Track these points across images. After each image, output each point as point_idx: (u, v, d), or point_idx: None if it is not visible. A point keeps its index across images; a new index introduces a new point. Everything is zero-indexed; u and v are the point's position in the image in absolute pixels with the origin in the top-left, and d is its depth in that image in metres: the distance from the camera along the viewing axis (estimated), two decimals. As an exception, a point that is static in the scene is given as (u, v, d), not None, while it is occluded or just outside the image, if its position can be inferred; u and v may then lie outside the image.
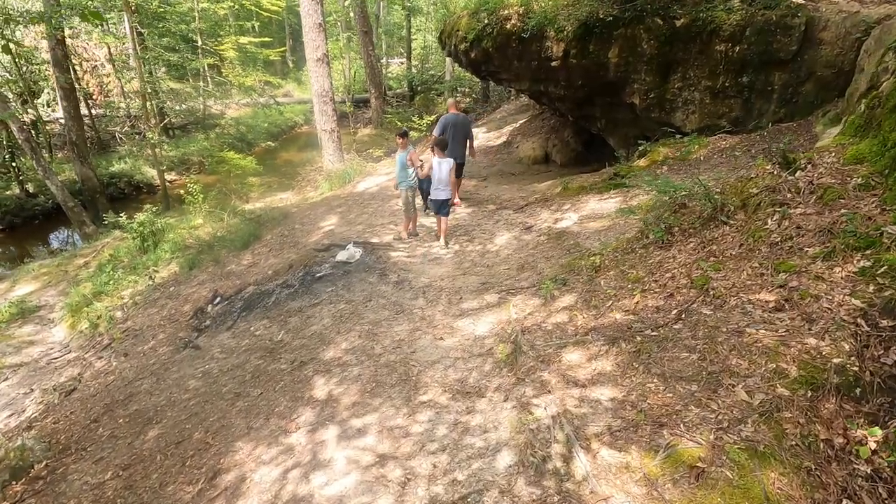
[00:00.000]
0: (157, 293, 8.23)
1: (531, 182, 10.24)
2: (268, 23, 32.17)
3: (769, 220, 3.04)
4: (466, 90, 23.09)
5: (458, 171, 7.30)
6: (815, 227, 2.79)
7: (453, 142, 7.00)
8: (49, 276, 10.94)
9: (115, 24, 19.55)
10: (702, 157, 6.56)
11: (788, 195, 3.10)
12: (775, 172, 3.39)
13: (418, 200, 7.21)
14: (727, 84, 6.45)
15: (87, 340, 7.77)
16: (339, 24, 23.60)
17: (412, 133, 14.17)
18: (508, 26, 7.73)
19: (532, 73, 8.24)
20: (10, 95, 16.30)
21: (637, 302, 3.16)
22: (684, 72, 6.75)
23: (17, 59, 15.24)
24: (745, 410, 2.12)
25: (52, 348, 8.01)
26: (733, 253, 3.07)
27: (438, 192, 6.05)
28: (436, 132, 7.16)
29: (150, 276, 8.68)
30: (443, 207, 6.14)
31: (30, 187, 15.22)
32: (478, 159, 12.93)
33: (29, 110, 15.53)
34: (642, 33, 6.74)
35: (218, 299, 6.96)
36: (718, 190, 3.76)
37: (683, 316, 2.75)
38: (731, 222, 3.33)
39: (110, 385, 5.48)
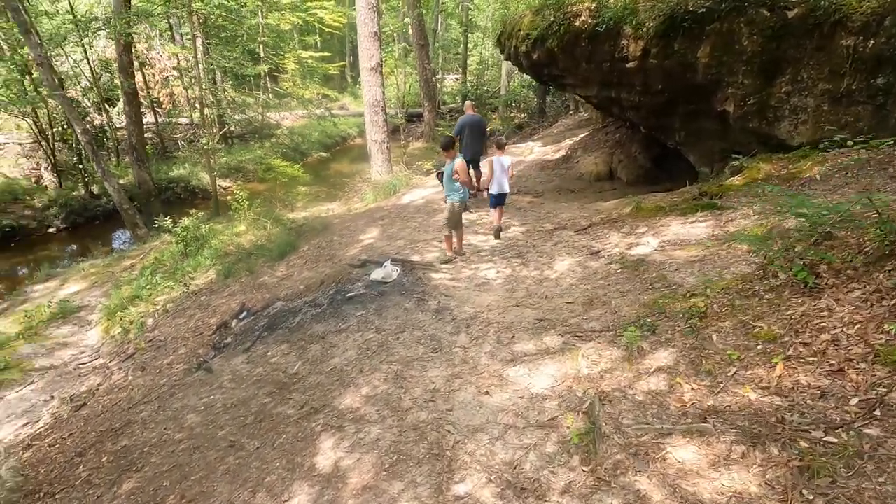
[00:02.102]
0: (188, 302, 7.86)
1: (594, 200, 9.18)
2: (329, 39, 33.02)
3: None
4: (521, 105, 22.32)
5: (476, 165, 8.26)
6: None
7: (471, 139, 7.94)
8: (97, 276, 10.99)
9: (188, 36, 20.36)
10: (817, 176, 5.33)
11: None
12: None
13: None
14: (854, 87, 5.22)
15: (117, 346, 7.47)
16: (395, 36, 23.57)
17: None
18: (577, 23, 6.84)
19: (602, 76, 7.28)
20: (88, 102, 17.20)
21: (780, 376, 2.13)
22: (795, 73, 5.58)
23: (92, 68, 15.97)
24: None
25: (83, 352, 7.77)
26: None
27: (503, 186, 6.41)
28: (455, 132, 7.93)
29: (185, 284, 8.37)
30: (501, 200, 6.55)
31: (94, 189, 15.77)
32: (533, 174, 12.03)
33: (98, 116, 16.22)
34: (742, 27, 5.66)
35: (244, 314, 6.41)
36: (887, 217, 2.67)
37: (878, 412, 1.72)
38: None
39: (115, 406, 4.97)
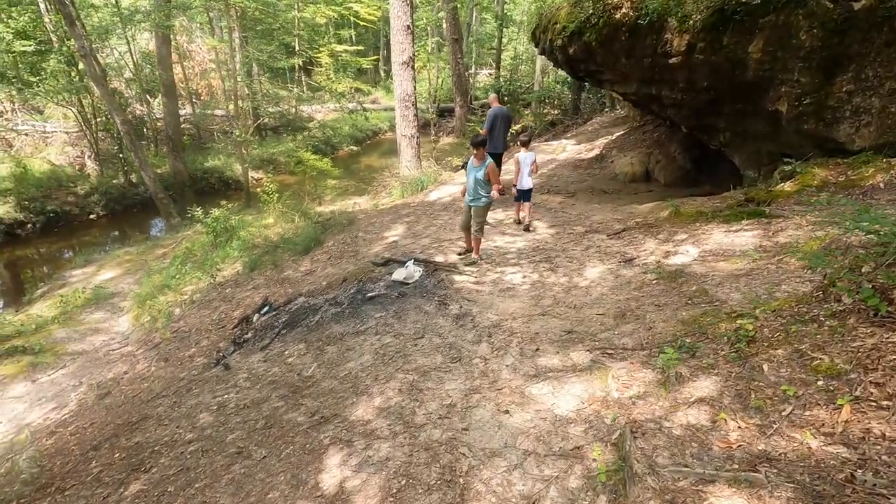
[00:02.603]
0: (214, 293, 7.93)
1: (628, 202, 8.77)
2: (364, 32, 33.12)
3: None
4: (555, 101, 21.76)
5: (498, 160, 7.97)
6: None
7: (501, 133, 7.79)
8: (131, 263, 11.29)
9: (225, 28, 20.72)
10: (881, 184, 4.84)
11: None
12: None
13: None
14: (929, 87, 4.71)
15: (145, 334, 7.60)
16: (428, 29, 23.36)
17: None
18: (618, 16, 6.46)
19: (643, 72, 6.87)
20: (132, 93, 17.73)
21: (847, 421, 1.84)
22: (859, 70, 5.09)
23: (135, 60, 16.43)
24: None
25: (113, 338, 7.96)
26: None
27: (525, 183, 6.53)
28: (486, 125, 7.75)
29: (212, 275, 8.46)
30: (524, 196, 6.69)
31: (133, 178, 16.26)
32: (565, 173, 11.64)
33: (140, 107, 16.68)
34: (801, 20, 5.19)
35: (266, 308, 6.38)
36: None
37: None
38: None
39: (136, 397, 4.99)
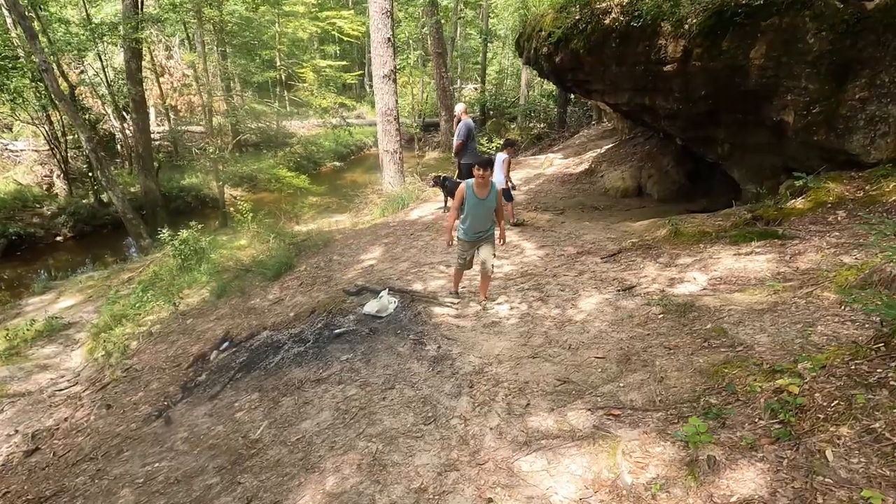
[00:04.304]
0: (175, 324, 7.22)
1: (621, 219, 8.27)
2: (349, 48, 32.89)
3: None
4: (541, 115, 21.51)
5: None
6: None
7: (474, 143, 7.96)
8: (93, 289, 10.50)
9: (207, 42, 20.14)
10: (904, 200, 4.37)
11: None
12: None
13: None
14: (952, 92, 4.28)
15: (97, 371, 6.85)
16: (411, 42, 23.08)
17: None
18: (607, 21, 6.02)
19: (635, 81, 6.42)
20: (109, 111, 17.00)
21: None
22: (873, 76, 4.66)
23: (106, 76, 15.74)
24: None
25: (62, 376, 7.17)
26: None
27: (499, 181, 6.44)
28: (462, 136, 7.70)
29: (175, 304, 7.76)
30: (505, 196, 6.45)
31: (104, 197, 15.49)
32: (553, 188, 11.16)
33: (116, 123, 15.99)
34: (808, 22, 4.76)
35: (226, 344, 5.72)
36: None
37: None
38: None
39: (63, 458, 4.28)
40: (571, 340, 3.73)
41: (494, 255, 4.47)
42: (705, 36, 5.38)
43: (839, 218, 4.45)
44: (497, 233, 4.45)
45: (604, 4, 6.14)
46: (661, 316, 3.73)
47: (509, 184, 7.21)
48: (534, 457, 2.50)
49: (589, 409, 2.75)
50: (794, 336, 2.78)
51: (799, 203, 4.87)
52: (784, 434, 1.94)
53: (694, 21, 5.41)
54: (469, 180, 4.18)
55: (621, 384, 2.95)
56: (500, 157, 6.84)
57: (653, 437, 2.32)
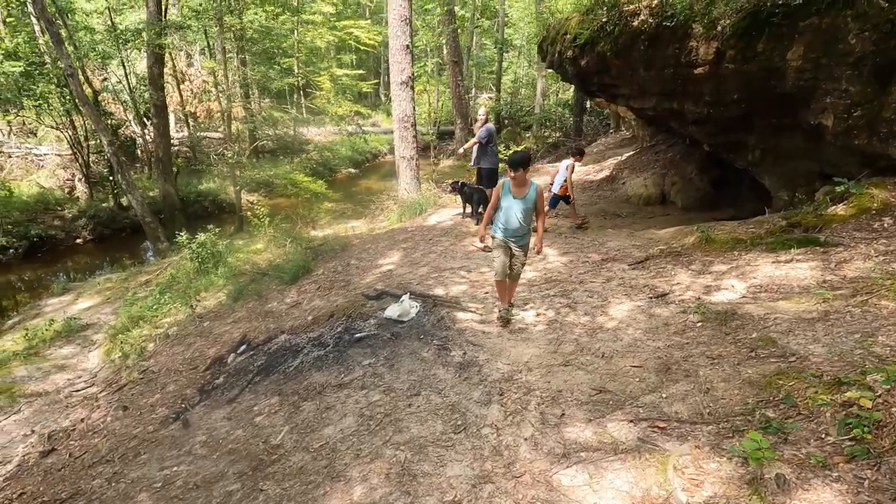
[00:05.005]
0: (192, 326, 7.18)
1: (645, 227, 8.09)
2: (365, 57, 33.20)
3: None
4: (556, 123, 21.40)
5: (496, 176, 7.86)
6: None
7: (495, 148, 7.93)
8: (112, 291, 10.56)
9: (229, 49, 20.39)
10: (955, 207, 4.15)
11: None
12: None
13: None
14: None
15: (114, 373, 6.83)
16: (427, 51, 23.20)
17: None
18: (635, 24, 5.89)
19: (663, 84, 6.27)
20: (131, 116, 17.29)
21: None
22: (919, 78, 4.47)
23: (129, 81, 16.03)
24: None
25: (79, 376, 7.16)
26: None
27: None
28: (483, 138, 7.74)
29: (192, 306, 7.73)
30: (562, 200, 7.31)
31: (123, 201, 15.67)
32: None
33: (137, 128, 16.24)
34: (849, 22, 4.59)
35: (243, 347, 5.64)
36: None
37: None
38: None
39: (80, 459, 4.20)
40: (604, 348, 3.56)
41: (524, 263, 4.26)
42: (739, 37, 5.22)
43: (886, 225, 4.23)
44: (534, 239, 4.14)
45: (632, 6, 6.02)
46: (700, 324, 3.54)
47: (571, 191, 7.64)
48: (574, 470, 2.34)
49: (631, 421, 2.59)
50: (853, 346, 2.59)
51: (840, 209, 4.65)
52: (861, 452, 1.76)
53: (727, 22, 5.26)
54: (506, 179, 4.01)
55: (663, 395, 2.78)
56: (566, 162, 7.38)
57: (706, 451, 2.15)
